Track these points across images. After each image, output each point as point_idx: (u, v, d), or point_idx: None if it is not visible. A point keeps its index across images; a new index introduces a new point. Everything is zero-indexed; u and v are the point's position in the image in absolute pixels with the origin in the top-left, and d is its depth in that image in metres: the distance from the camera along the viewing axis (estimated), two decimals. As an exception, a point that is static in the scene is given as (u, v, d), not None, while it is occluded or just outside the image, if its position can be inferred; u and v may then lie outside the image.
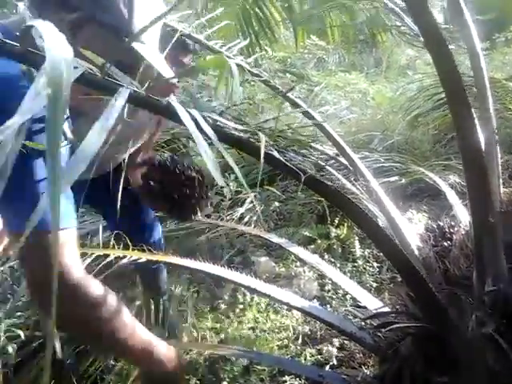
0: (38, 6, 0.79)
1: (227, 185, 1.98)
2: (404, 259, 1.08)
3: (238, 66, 1.21)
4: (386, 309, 1.33)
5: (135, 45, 0.74)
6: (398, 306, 1.30)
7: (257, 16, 2.71)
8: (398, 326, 1.19)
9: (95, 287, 0.78)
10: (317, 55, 4.92)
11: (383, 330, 1.24)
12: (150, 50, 0.81)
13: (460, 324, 1.09)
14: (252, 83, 4.05)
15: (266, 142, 0.54)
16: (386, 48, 4.81)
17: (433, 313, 1.12)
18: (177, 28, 1.31)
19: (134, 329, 0.86)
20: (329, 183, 0.70)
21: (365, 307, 1.48)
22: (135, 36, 0.73)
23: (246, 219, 2.03)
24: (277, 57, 4.03)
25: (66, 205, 0.75)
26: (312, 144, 1.37)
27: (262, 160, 0.48)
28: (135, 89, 0.53)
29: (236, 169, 0.53)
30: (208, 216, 2.12)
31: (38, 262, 0.70)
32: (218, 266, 1.40)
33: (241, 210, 1.98)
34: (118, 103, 0.45)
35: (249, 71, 1.12)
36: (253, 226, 1.99)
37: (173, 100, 0.56)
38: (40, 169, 0.71)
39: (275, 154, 0.57)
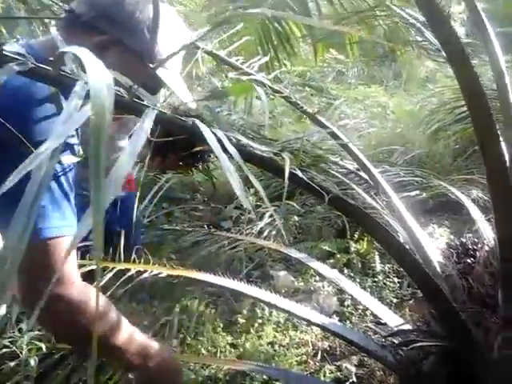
0: (67, 30, 0.82)
1: (246, 198, 1.98)
2: (426, 276, 1.06)
3: (259, 82, 1.22)
4: (408, 326, 1.31)
5: (158, 71, 0.76)
6: (419, 324, 1.28)
7: (276, 31, 2.74)
8: (420, 344, 1.17)
9: (93, 297, 0.77)
10: (336, 68, 4.93)
11: (405, 348, 1.22)
12: (171, 75, 0.83)
13: (485, 344, 1.07)
14: (271, 96, 4.06)
15: (290, 160, 0.54)
16: (406, 60, 4.79)
17: (456, 332, 1.10)
18: (198, 45, 1.33)
19: (129, 332, 0.85)
20: (350, 200, 0.69)
21: (385, 324, 1.46)
22: (160, 63, 0.75)
23: (265, 233, 2.03)
24: (296, 71, 4.06)
25: (67, 211, 0.74)
26: (332, 158, 1.37)
27: (286, 180, 0.48)
28: (161, 110, 0.54)
29: (257, 184, 0.54)
30: (227, 230, 2.12)
31: (40, 275, 0.69)
32: (236, 280, 1.40)
33: (260, 224, 1.98)
34: (146, 124, 0.46)
35: (270, 88, 1.13)
36: (272, 240, 1.99)
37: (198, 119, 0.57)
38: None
39: (298, 173, 0.58)
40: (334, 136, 1.61)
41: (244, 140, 0.56)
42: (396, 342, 1.32)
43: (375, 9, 2.11)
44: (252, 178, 0.50)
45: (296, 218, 2.30)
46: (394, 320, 1.46)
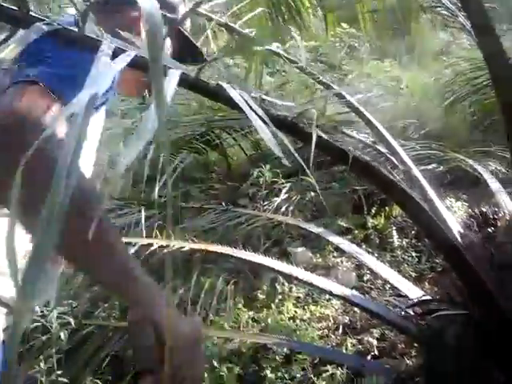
0: (99, 15, 0.84)
1: (262, 174, 1.98)
2: (452, 246, 1.06)
3: (276, 53, 1.21)
4: (429, 297, 1.31)
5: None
6: (441, 294, 1.27)
7: (286, 2, 2.68)
8: (443, 313, 1.17)
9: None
10: (347, 43, 4.83)
11: (428, 317, 1.22)
12: None
13: (510, 312, 1.06)
14: (283, 73, 4.02)
15: (311, 122, 0.53)
16: (419, 33, 4.67)
17: (480, 299, 1.09)
18: (211, 17, 1.31)
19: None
20: (374, 164, 0.68)
21: (406, 296, 1.46)
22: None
23: (282, 209, 2.02)
24: (307, 46, 3.99)
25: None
26: (347, 131, 1.35)
27: (314, 137, 0.47)
28: (185, 71, 0.53)
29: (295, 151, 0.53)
30: (244, 206, 2.13)
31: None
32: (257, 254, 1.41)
33: (277, 200, 1.98)
34: (171, 86, 0.45)
35: (286, 58, 1.11)
36: (290, 215, 1.99)
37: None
38: None
39: (323, 135, 0.57)
40: (351, 108, 1.59)
41: (268, 99, 0.55)
42: (417, 313, 1.31)
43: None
44: (280, 134, 0.49)
45: (312, 194, 2.28)
46: (414, 292, 1.45)
